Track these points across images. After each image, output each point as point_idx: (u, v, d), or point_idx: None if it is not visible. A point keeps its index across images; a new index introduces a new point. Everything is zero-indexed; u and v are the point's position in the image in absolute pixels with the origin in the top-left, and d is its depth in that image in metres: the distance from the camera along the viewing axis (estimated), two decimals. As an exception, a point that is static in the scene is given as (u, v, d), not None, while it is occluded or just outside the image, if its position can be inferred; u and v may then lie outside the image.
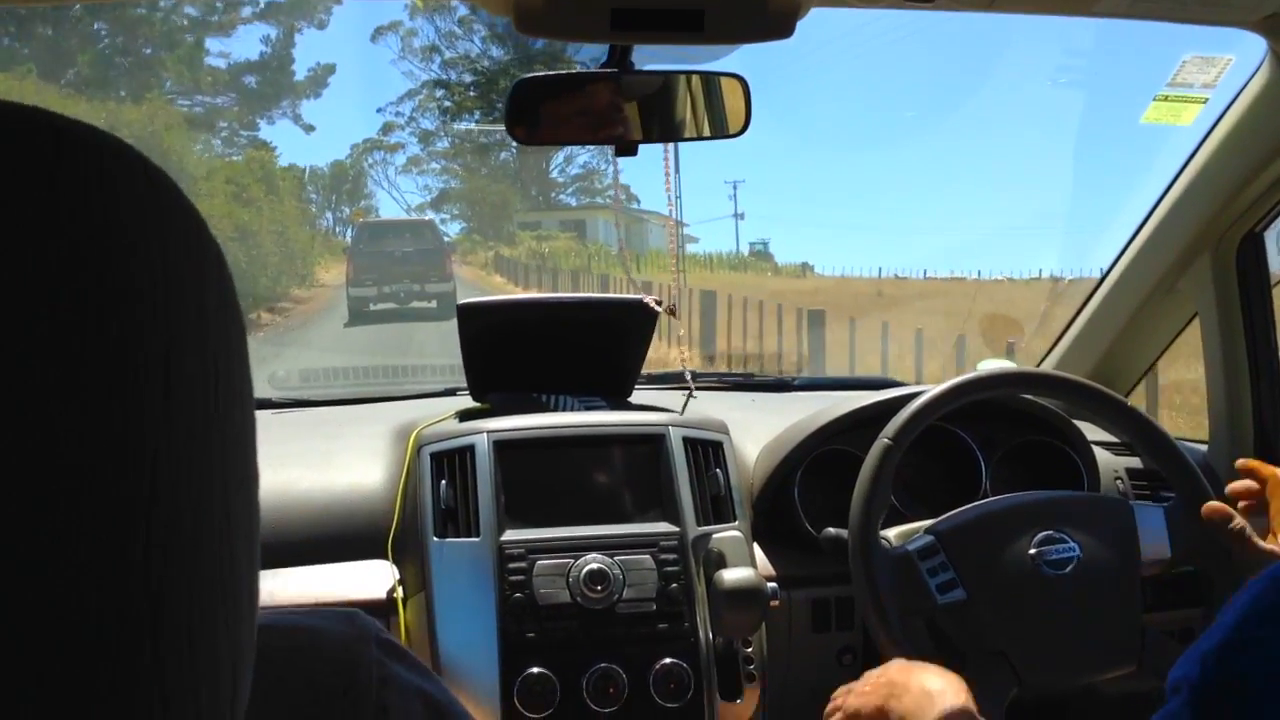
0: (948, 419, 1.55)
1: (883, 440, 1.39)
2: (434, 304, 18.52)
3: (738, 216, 46.22)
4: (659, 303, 1.68)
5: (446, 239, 27.10)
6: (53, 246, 0.32)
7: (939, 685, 1.12)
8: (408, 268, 19.38)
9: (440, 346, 13.00)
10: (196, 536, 0.34)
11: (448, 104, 39.82)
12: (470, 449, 1.50)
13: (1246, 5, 1.29)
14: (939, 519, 1.42)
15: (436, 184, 44.28)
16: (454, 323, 1.69)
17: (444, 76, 39.32)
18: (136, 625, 0.32)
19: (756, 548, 1.58)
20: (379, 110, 43.30)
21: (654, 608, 1.43)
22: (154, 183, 0.35)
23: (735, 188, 50.03)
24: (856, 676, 1.57)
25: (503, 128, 1.37)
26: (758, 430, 1.73)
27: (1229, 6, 1.29)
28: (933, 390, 1.46)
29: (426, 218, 28.13)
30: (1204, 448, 1.86)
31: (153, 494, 0.32)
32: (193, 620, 0.33)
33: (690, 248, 41.85)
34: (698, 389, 2.07)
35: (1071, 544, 1.38)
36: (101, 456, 0.31)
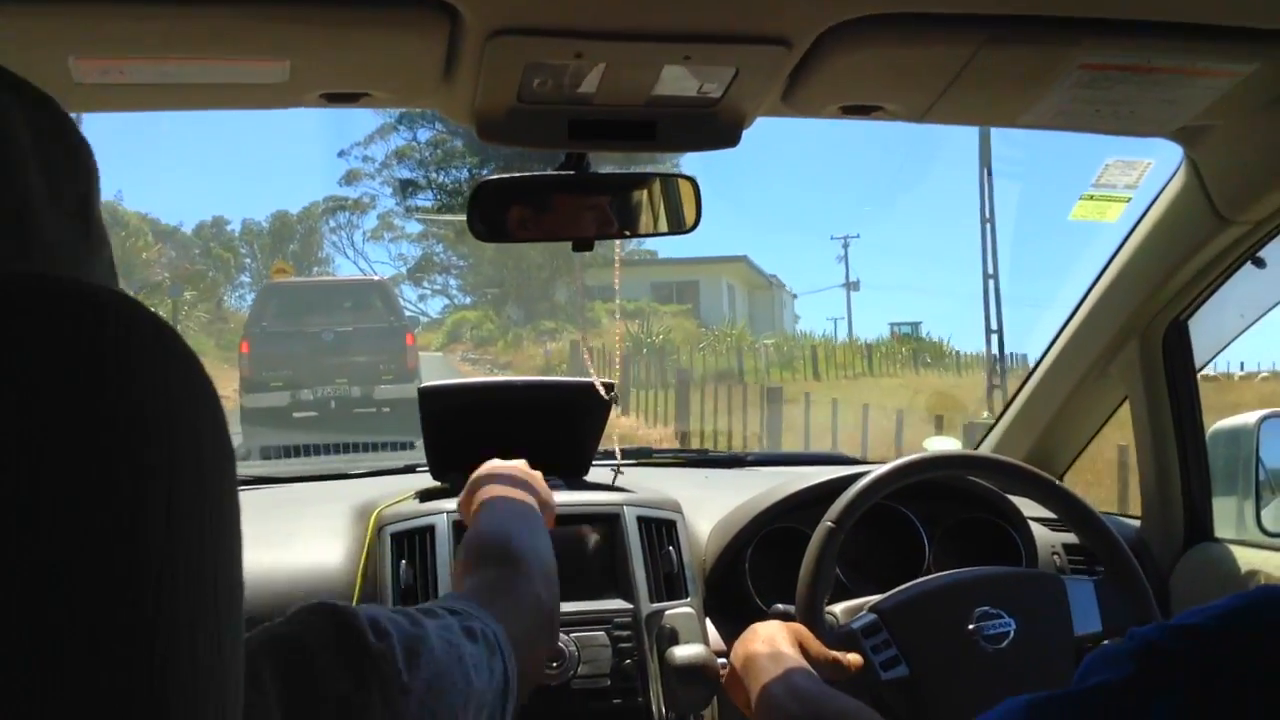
0: (892, 497, 1.62)
1: (825, 524, 1.46)
2: (387, 410, 12.34)
3: (849, 286, 32.84)
4: (608, 387, 1.75)
5: (410, 312, 19.76)
6: (65, 400, 0.37)
7: (761, 646, 1.20)
8: (343, 359, 12.56)
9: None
10: (193, 652, 0.39)
11: (427, 155, 28.45)
12: (430, 529, 1.55)
13: (1162, 119, 1.39)
14: (882, 597, 1.48)
15: (414, 251, 32.40)
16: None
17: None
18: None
19: (709, 623, 1.63)
20: (341, 154, 31.45)
21: (608, 684, 1.48)
22: (159, 334, 0.41)
23: (846, 246, 34.24)
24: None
25: (462, 218, 1.45)
26: (710, 507, 1.79)
27: (1145, 121, 1.39)
28: (875, 472, 1.53)
29: (374, 277, 18.34)
30: (1137, 523, 1.94)
31: (155, 613, 0.38)
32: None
33: (794, 327, 31.11)
34: (654, 465, 2.13)
35: (1008, 619, 1.44)
36: (111, 584, 0.37)
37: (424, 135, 28.60)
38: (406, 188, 29.89)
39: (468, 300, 30.67)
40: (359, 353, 12.62)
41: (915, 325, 29.24)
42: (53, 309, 0.39)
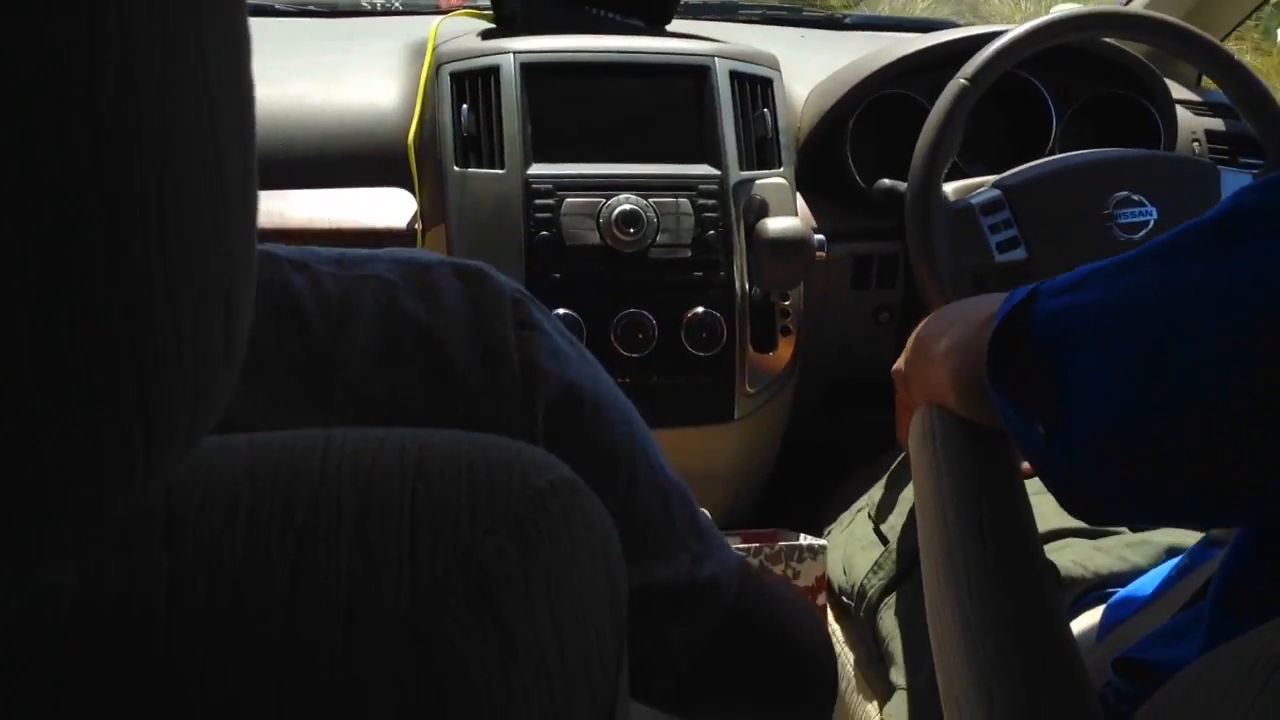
0: (1023, 65, 1.39)
1: (959, 80, 1.25)
2: None
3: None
4: None
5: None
6: None
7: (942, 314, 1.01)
8: None
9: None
10: (164, 86, 0.24)
11: None
12: (495, 70, 1.35)
13: None
14: (1007, 173, 1.30)
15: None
16: None
17: None
18: (90, 212, 0.23)
19: (799, 197, 1.47)
20: None
21: (689, 254, 1.34)
22: None
23: None
24: (892, 335, 1.52)
25: None
26: (808, 69, 1.57)
27: None
28: (1015, 30, 1.30)
29: None
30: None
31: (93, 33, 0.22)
32: (166, 207, 0.24)
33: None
34: (741, 21, 1.89)
35: (1149, 207, 1.27)
36: None
37: None
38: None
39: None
40: None
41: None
42: None
